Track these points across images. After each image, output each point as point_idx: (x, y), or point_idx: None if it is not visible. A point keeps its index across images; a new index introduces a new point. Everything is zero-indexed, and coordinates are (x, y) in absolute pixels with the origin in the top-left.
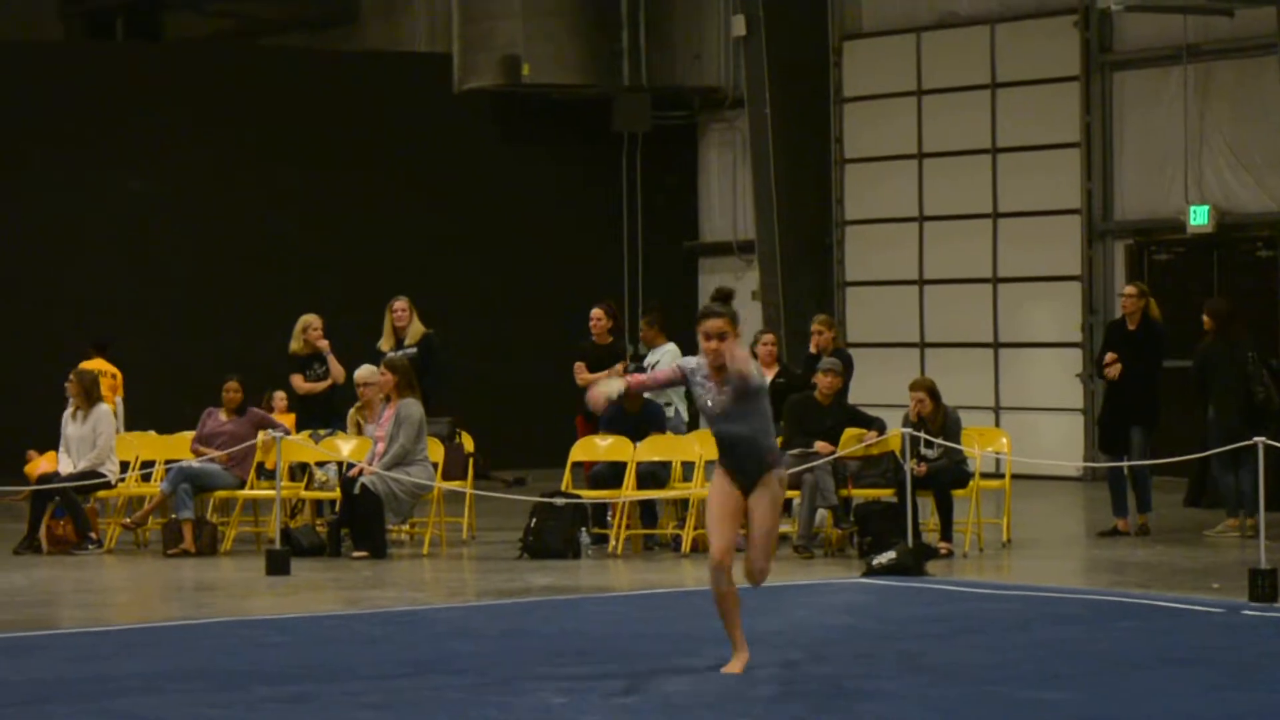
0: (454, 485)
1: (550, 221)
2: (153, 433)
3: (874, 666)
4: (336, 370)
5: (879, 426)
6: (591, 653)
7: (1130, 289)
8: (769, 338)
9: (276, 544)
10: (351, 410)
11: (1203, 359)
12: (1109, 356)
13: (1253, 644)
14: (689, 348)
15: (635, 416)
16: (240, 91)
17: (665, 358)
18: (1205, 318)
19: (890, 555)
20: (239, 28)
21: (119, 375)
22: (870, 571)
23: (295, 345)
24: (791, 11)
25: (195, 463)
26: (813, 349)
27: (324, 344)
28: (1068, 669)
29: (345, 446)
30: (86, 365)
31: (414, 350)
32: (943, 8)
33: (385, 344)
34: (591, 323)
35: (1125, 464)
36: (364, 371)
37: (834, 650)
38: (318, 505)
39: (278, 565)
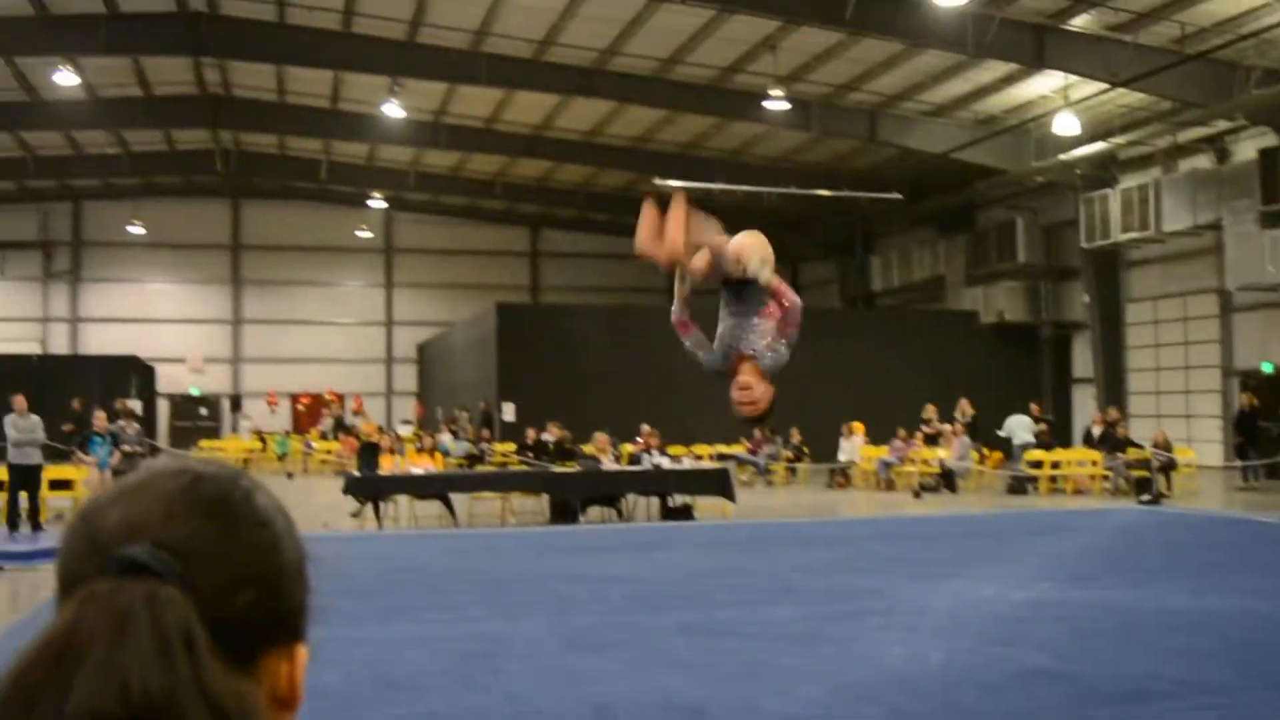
0: None
1: (1011, 370)
2: None
3: None
4: None
5: None
6: None
7: None
8: (1113, 410)
9: None
10: None
11: None
12: None
13: None
14: None
15: None
16: (897, 333)
17: None
18: None
19: None
20: (904, 301)
21: None
22: None
23: None
24: (1105, 291)
25: None
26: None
27: None
28: None
29: None
30: None
31: None
32: None
33: None
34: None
35: None
36: None
37: None
38: None
39: None
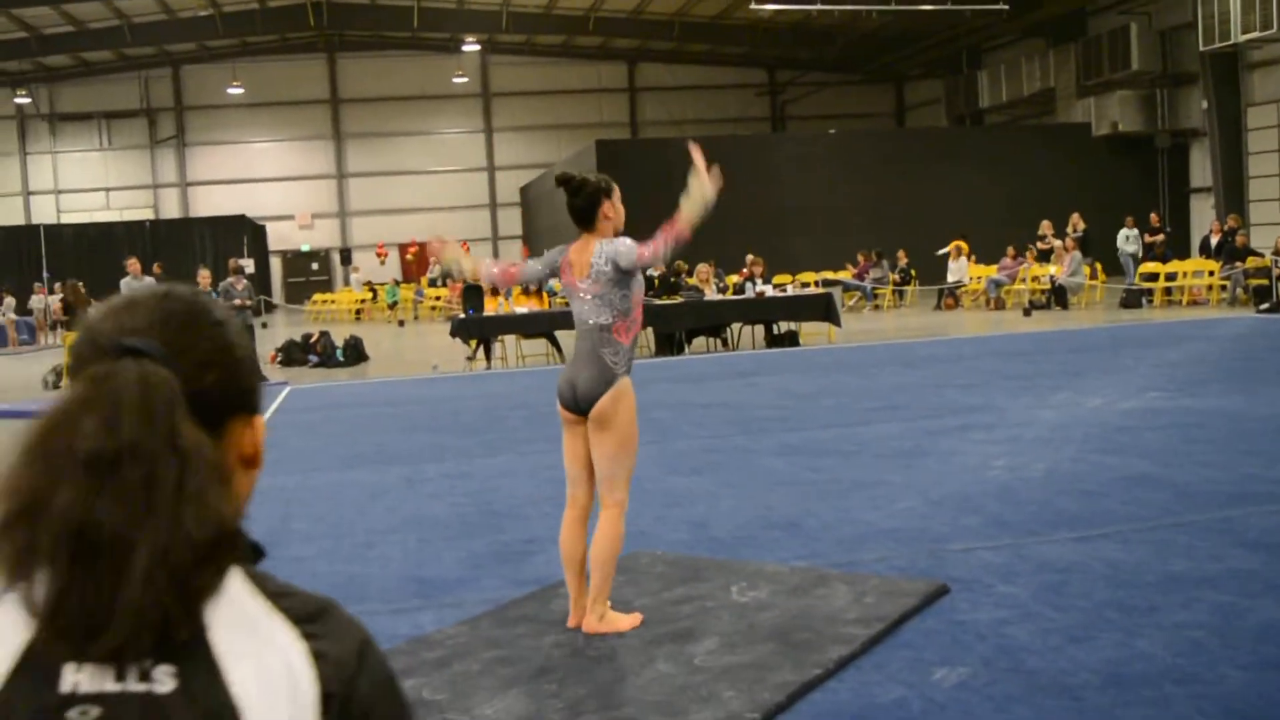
0: None
1: (1125, 183)
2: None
3: None
4: None
5: None
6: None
7: None
8: (1232, 218)
9: None
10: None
11: None
12: None
13: None
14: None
15: None
16: (1006, 150)
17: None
18: None
19: None
20: (1013, 116)
21: None
22: None
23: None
24: (1224, 97)
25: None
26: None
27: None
28: None
29: None
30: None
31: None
32: None
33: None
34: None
35: None
36: None
37: None
38: None
39: None
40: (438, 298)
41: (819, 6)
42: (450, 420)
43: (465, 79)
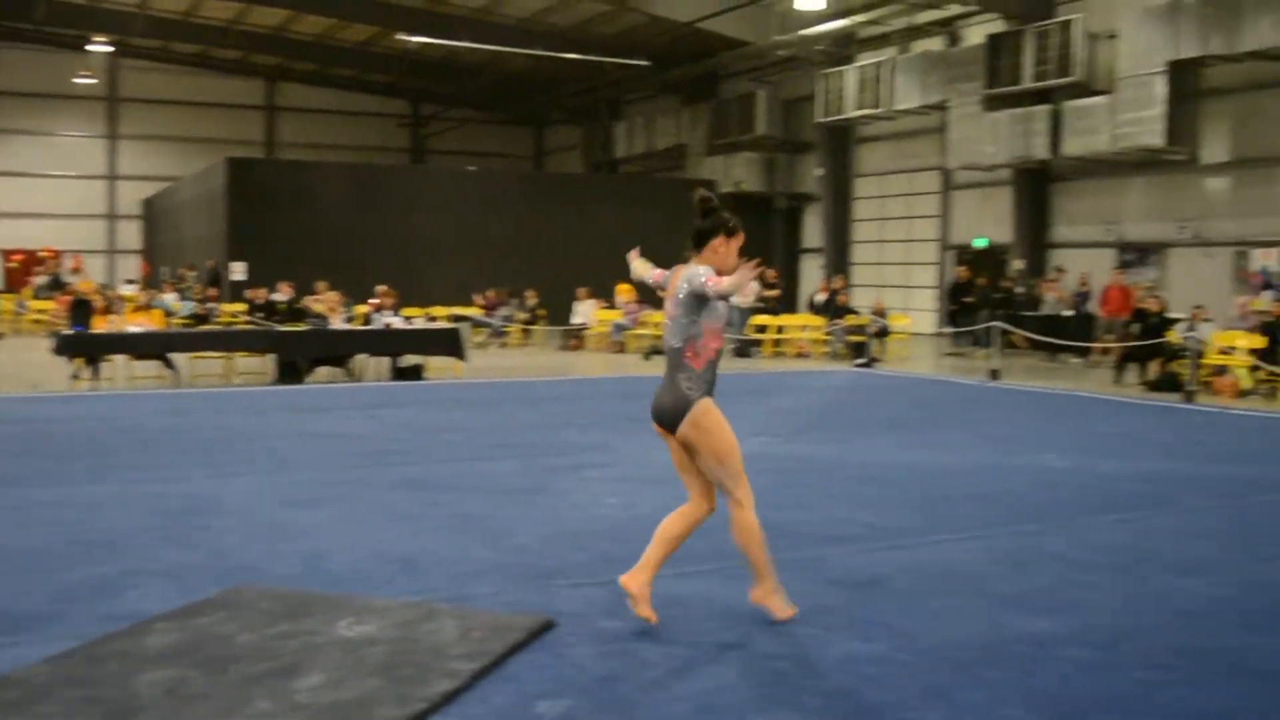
0: None
1: (746, 239)
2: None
3: None
4: None
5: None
6: None
7: None
8: (838, 279)
9: None
10: None
11: None
12: None
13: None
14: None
15: None
16: (638, 197)
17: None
18: None
19: None
20: (647, 168)
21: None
22: None
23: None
24: (836, 166)
25: None
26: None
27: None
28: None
29: None
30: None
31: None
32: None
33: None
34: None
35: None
36: None
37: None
38: None
39: None
40: (42, 310)
41: (465, 44)
42: (47, 443)
43: (92, 80)
